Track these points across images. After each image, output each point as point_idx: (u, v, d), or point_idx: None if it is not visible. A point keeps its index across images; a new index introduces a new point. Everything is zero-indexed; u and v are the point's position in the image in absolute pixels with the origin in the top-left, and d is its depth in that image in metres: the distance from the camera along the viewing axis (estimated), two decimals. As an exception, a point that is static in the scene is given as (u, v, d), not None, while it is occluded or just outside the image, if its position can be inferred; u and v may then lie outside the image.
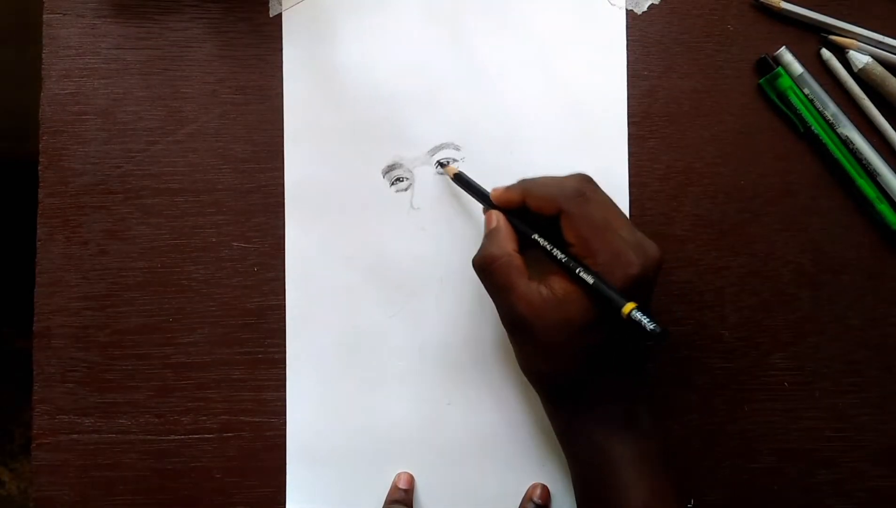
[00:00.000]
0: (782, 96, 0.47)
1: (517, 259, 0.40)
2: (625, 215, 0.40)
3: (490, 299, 0.45)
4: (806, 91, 0.47)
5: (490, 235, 0.41)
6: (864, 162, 0.46)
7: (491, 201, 0.43)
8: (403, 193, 0.47)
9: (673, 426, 0.47)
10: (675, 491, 0.40)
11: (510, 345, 0.46)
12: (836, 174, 0.47)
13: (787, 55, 0.47)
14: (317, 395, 0.46)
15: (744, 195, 0.47)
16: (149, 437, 0.46)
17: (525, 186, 0.41)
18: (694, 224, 0.47)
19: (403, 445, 0.46)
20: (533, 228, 0.41)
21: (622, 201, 0.47)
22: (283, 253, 0.46)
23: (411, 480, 0.45)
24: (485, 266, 0.40)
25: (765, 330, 0.47)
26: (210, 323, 0.46)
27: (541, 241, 0.40)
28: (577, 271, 0.38)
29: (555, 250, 0.39)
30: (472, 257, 0.41)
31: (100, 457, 0.46)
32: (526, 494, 0.46)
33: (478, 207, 0.45)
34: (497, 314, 0.41)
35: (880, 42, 0.47)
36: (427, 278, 0.46)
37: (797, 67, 0.47)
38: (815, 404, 0.47)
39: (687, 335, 0.47)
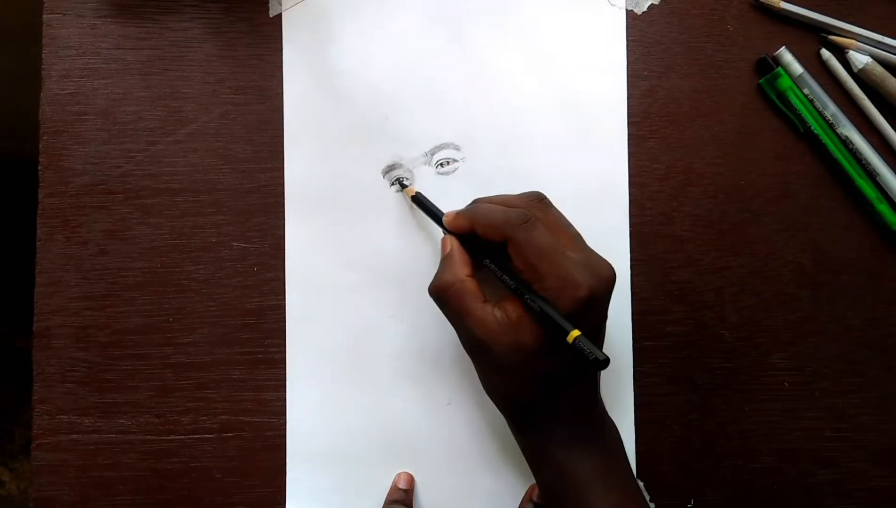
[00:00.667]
0: (782, 96, 0.47)
1: (470, 284, 0.40)
2: (577, 234, 0.40)
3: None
4: (806, 91, 0.47)
5: (444, 261, 0.41)
6: (863, 162, 0.46)
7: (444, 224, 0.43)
8: (403, 193, 0.47)
9: (673, 426, 0.47)
10: (640, 497, 0.40)
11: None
12: (836, 174, 0.47)
13: (787, 55, 0.47)
14: (317, 395, 0.46)
15: (744, 195, 0.47)
16: (149, 437, 0.46)
17: (472, 213, 0.41)
18: (694, 224, 0.47)
19: (403, 445, 0.46)
20: (488, 251, 0.41)
21: (622, 201, 0.47)
22: (283, 253, 0.46)
23: (411, 480, 0.45)
24: (439, 293, 0.40)
25: (765, 330, 0.47)
26: (210, 323, 0.46)
27: (491, 267, 0.40)
28: (525, 297, 0.38)
29: (504, 276, 0.39)
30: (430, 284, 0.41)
31: (100, 457, 0.46)
32: (525, 494, 0.46)
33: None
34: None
35: (880, 42, 0.47)
36: (427, 278, 0.46)
37: (797, 67, 0.47)
38: (815, 404, 0.47)
39: (687, 335, 0.47)
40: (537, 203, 0.40)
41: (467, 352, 0.41)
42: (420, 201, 0.45)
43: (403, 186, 0.46)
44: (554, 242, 0.38)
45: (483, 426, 0.46)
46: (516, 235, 0.38)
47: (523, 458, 0.44)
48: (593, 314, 0.38)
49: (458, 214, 0.42)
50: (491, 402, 0.46)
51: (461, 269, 0.40)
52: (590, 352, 0.36)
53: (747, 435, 0.47)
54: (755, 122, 0.47)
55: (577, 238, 0.40)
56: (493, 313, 0.38)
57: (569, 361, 0.39)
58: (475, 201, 0.42)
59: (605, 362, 0.35)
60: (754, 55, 0.47)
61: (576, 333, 0.36)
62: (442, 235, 0.43)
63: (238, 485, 0.46)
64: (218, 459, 0.46)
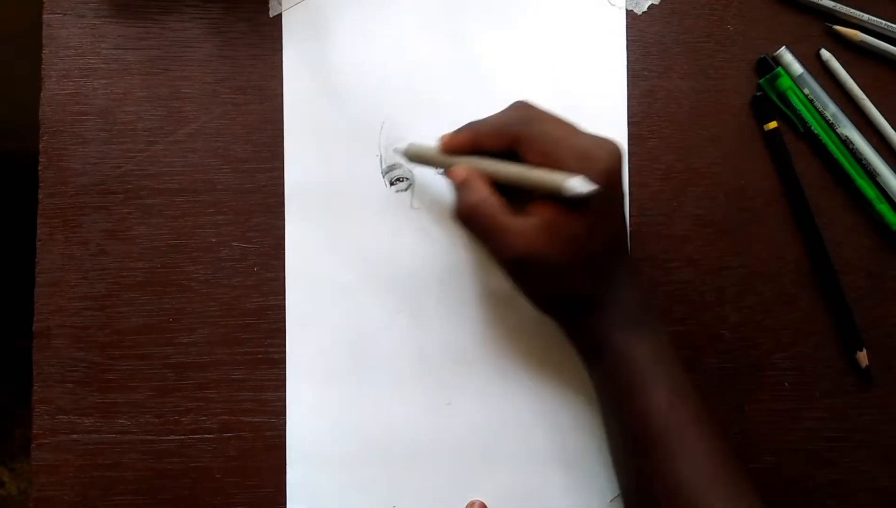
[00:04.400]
0: (782, 96, 0.47)
1: (498, 198, 0.39)
2: (572, 122, 0.40)
3: (489, 299, 0.45)
4: (806, 91, 0.47)
5: (463, 185, 0.40)
6: (863, 162, 0.46)
7: (447, 162, 0.42)
8: (403, 193, 0.47)
9: (673, 426, 0.47)
10: (693, 385, 0.41)
11: (510, 345, 0.46)
12: (836, 174, 0.47)
13: (787, 55, 0.47)
14: (317, 395, 0.46)
15: (744, 195, 0.47)
16: (149, 437, 0.46)
17: (473, 126, 0.42)
18: (694, 224, 0.47)
19: (403, 445, 0.46)
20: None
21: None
22: (283, 253, 0.46)
23: None
24: (469, 214, 0.40)
25: (765, 330, 0.47)
26: (210, 323, 0.46)
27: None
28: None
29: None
30: (453, 211, 0.41)
31: (100, 457, 0.46)
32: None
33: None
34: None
35: (887, 28, 0.46)
36: (427, 278, 0.46)
37: (797, 68, 0.47)
38: (815, 404, 0.47)
39: (687, 335, 0.47)
40: (528, 107, 0.41)
41: (507, 269, 0.40)
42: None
43: (400, 181, 0.46)
44: (560, 130, 0.39)
45: (483, 427, 0.46)
46: (524, 131, 0.39)
47: (523, 458, 0.44)
48: (617, 187, 0.39)
49: (457, 131, 0.42)
50: (490, 402, 0.46)
51: (483, 187, 0.40)
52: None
53: (747, 435, 0.47)
54: (755, 122, 0.47)
55: (574, 125, 0.40)
56: (528, 222, 0.38)
57: (611, 239, 0.39)
58: (468, 124, 0.42)
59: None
60: (754, 55, 0.47)
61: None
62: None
63: (238, 485, 0.46)
64: (218, 459, 0.46)
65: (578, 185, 0.36)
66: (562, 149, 0.38)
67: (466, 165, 0.41)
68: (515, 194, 0.40)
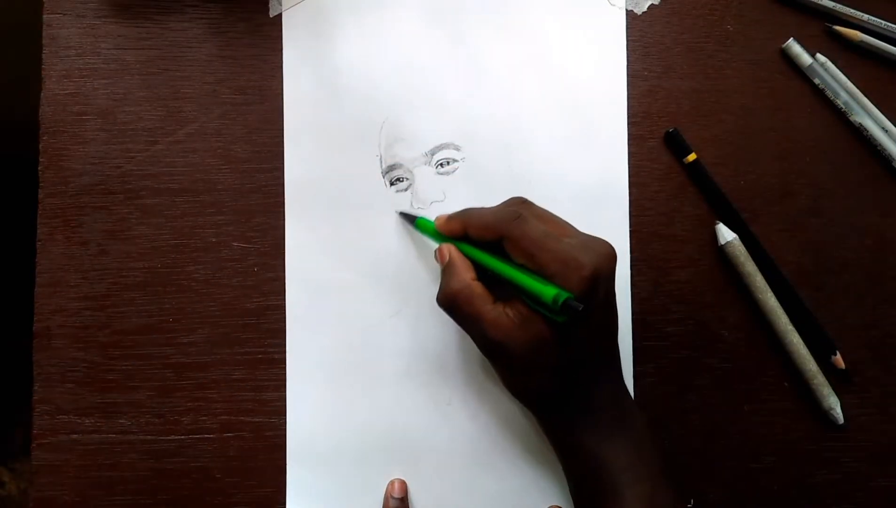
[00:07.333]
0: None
1: (478, 287, 0.40)
2: (567, 223, 0.40)
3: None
4: (816, 81, 0.47)
5: (446, 270, 0.41)
6: (878, 148, 0.46)
7: (439, 240, 0.43)
8: (403, 193, 0.47)
9: (673, 426, 0.47)
10: (673, 492, 0.40)
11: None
12: (836, 173, 0.47)
13: (795, 46, 0.47)
14: (317, 395, 0.46)
15: (744, 195, 0.47)
16: (149, 437, 0.46)
17: (465, 216, 0.42)
18: (694, 224, 0.47)
19: (403, 445, 0.46)
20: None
21: (622, 201, 0.47)
22: (283, 253, 0.46)
23: (404, 487, 0.45)
24: (449, 302, 0.40)
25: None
26: (210, 323, 0.46)
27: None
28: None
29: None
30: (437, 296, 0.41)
31: (100, 457, 0.46)
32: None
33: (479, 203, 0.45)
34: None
35: (887, 28, 0.46)
36: (427, 278, 0.46)
37: (806, 59, 0.47)
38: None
39: (687, 335, 0.47)
40: (520, 204, 0.41)
41: (485, 356, 0.41)
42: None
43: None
44: (547, 230, 0.38)
45: (483, 426, 0.46)
46: (510, 230, 0.38)
47: (523, 459, 0.44)
48: (601, 291, 0.38)
49: (451, 217, 0.42)
50: (491, 402, 0.46)
51: (465, 274, 0.40)
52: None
53: (747, 435, 0.47)
54: (755, 122, 0.47)
55: (568, 225, 0.40)
56: (505, 313, 0.38)
57: (588, 343, 0.39)
58: (463, 211, 0.42)
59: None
60: (754, 55, 0.47)
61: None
62: (433, 247, 0.43)
63: (238, 485, 0.46)
64: (218, 459, 0.46)
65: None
66: (543, 253, 0.37)
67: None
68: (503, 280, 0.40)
